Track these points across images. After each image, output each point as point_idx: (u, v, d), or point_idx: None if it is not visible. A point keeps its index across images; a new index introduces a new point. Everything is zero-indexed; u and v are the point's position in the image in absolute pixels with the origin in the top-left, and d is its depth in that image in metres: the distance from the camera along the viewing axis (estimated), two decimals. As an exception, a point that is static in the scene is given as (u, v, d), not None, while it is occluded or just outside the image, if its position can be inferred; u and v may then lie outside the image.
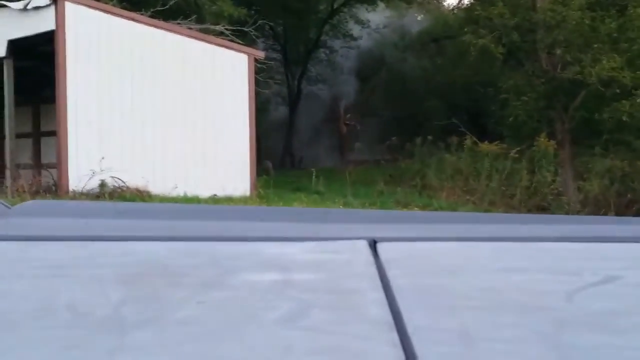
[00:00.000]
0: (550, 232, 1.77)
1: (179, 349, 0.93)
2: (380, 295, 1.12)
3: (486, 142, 23.95)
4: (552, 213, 20.82)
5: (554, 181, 22.49)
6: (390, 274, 1.24)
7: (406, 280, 1.21)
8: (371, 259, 1.35)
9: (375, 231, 1.58)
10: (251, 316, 1.02)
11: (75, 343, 0.95)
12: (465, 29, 27.05)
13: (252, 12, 24.57)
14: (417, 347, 0.92)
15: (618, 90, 22.59)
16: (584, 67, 22.74)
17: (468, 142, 23.71)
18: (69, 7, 17.69)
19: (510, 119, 24.94)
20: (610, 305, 1.13)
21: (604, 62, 22.23)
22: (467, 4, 33.89)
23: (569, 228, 1.84)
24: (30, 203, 1.78)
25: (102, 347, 0.93)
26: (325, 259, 1.38)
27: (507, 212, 20.55)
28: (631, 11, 22.98)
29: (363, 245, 1.44)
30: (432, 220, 1.91)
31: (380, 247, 1.43)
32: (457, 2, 36.47)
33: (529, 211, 21.16)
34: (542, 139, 22.80)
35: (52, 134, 18.49)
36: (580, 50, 23.63)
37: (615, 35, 23.29)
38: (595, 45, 23.12)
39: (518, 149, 23.02)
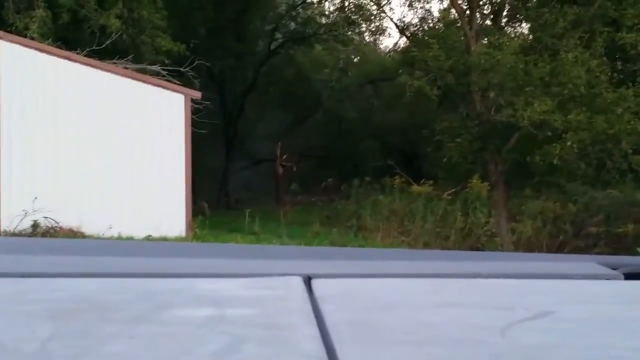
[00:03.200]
0: (484, 268, 1.78)
1: None
2: (314, 330, 1.12)
3: (422, 182, 24.15)
4: (486, 254, 21.00)
5: (487, 222, 22.72)
6: (325, 309, 1.23)
7: (341, 316, 1.21)
8: (306, 295, 1.34)
9: (310, 268, 1.58)
10: (184, 351, 1.01)
11: None
12: (401, 71, 27.38)
13: (190, 49, 24.48)
14: None
15: (549, 133, 22.99)
16: (516, 110, 23.10)
17: (399, 182, 23.86)
18: (3, 45, 17.54)
19: (445, 160, 25.21)
20: (542, 340, 1.14)
21: (536, 105, 22.61)
22: (403, 47, 34.37)
23: (503, 265, 1.86)
24: None
25: None
26: (260, 294, 1.37)
27: (441, 252, 20.66)
28: (563, 56, 23.46)
29: (298, 281, 1.43)
30: (367, 257, 1.92)
31: (315, 283, 1.43)
32: (393, 45, 36.93)
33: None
34: (476, 181, 23.06)
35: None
36: (513, 93, 24.02)
37: (547, 79, 23.74)
38: (528, 89, 23.53)
39: (452, 190, 23.25)
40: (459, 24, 27.56)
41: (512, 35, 29.46)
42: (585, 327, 1.24)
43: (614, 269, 1.77)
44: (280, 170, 30.98)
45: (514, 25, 30.95)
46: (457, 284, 1.59)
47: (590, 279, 1.70)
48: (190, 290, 1.39)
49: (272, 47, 36.07)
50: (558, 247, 21.78)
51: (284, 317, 1.21)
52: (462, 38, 26.71)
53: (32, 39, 20.16)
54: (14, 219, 16.86)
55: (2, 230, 16.95)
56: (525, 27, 29.51)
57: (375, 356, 1.03)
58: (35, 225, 17.04)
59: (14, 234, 16.74)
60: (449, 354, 1.05)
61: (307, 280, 1.45)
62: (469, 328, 1.19)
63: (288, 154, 31.14)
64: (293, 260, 1.76)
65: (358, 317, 1.23)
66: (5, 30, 18.89)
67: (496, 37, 25.94)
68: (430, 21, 33.04)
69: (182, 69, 23.15)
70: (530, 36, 27.61)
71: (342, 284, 1.51)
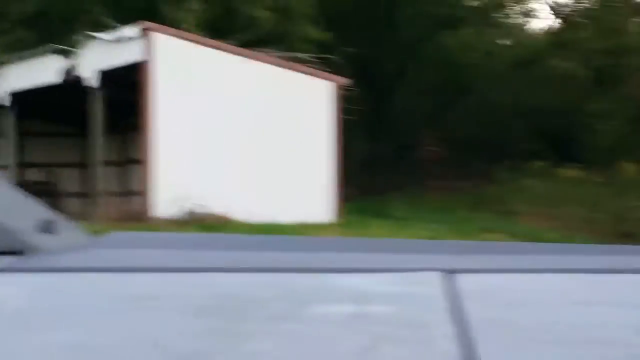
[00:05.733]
0: (630, 264, 1.74)
1: None
2: (454, 329, 1.12)
3: (572, 166, 23.57)
4: (639, 240, 20.33)
5: (640, 208, 21.96)
6: (465, 306, 1.24)
7: (481, 314, 1.21)
8: (445, 291, 1.34)
9: (450, 262, 1.58)
10: (325, 351, 1.04)
11: None
12: (552, 53, 26.76)
13: (339, 36, 24.59)
14: None
15: None
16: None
17: (549, 166, 23.34)
18: (158, 38, 18.02)
19: (596, 143, 24.51)
20: None
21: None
22: (556, 29, 33.54)
23: None
24: (114, 234, 1.82)
25: None
26: (399, 290, 1.38)
27: (592, 238, 20.11)
28: None
29: (437, 276, 1.44)
30: (507, 251, 1.90)
31: (455, 278, 1.43)
32: (546, 27, 36.05)
33: (616, 238, 20.69)
34: (628, 164, 22.32)
35: (139, 161, 18.83)
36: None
37: None
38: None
39: (604, 174, 22.59)
40: (615, 4, 26.64)
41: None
42: None
43: None
44: (427, 155, 30.79)
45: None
46: (606, 280, 1.55)
47: None
48: (329, 285, 1.41)
49: (421, 32, 35.73)
50: None
51: (423, 315, 1.21)
52: (618, 18, 25.84)
53: (188, 30, 20.68)
54: (166, 205, 17.29)
55: (155, 216, 17.43)
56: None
57: (517, 357, 1.03)
58: (187, 212, 17.44)
59: (166, 221, 17.18)
60: (587, 355, 1.04)
61: (447, 276, 1.44)
62: (616, 328, 1.17)
63: (435, 139, 30.92)
64: (432, 255, 1.76)
65: (499, 315, 1.22)
66: (161, 23, 19.41)
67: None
68: (585, 1, 31.99)
69: (330, 57, 23.28)
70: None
71: (482, 279, 1.50)
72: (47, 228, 1.59)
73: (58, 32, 21.38)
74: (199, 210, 17.63)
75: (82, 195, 22.55)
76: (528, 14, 35.46)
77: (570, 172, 23.06)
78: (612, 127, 24.30)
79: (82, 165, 22.68)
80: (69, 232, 1.69)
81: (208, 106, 18.44)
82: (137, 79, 17.97)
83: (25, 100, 20.09)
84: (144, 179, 17.95)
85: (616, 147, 24.54)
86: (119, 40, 18.17)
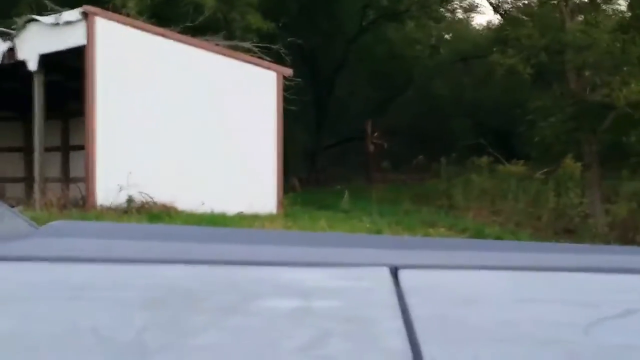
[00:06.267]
0: (571, 261, 1.76)
1: None
2: (399, 325, 1.12)
3: (513, 162, 23.88)
4: (579, 236, 20.70)
5: (581, 203, 22.34)
6: (410, 302, 1.24)
7: (425, 310, 1.21)
8: (392, 286, 1.35)
9: (397, 258, 1.58)
10: (271, 345, 1.03)
11: None
12: (495, 49, 27.04)
13: (281, 27, 24.58)
14: None
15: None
16: (612, 90, 22.60)
17: (491, 162, 23.63)
18: (100, 23, 17.82)
19: (537, 139, 24.85)
20: (628, 340, 1.12)
21: (633, 85, 22.08)
22: (496, 25, 33.92)
23: (590, 258, 1.83)
24: (56, 223, 1.79)
25: None
26: (345, 285, 1.38)
27: (533, 234, 20.42)
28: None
29: (384, 272, 1.44)
30: (454, 248, 1.91)
31: (401, 274, 1.43)
32: (486, 22, 36.45)
33: (556, 233, 21.03)
34: (569, 161, 22.67)
35: (81, 147, 18.62)
36: (609, 72, 23.51)
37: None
38: (625, 68, 23.00)
39: (545, 170, 22.91)
40: (554, 2, 27.01)
41: (609, 13, 28.76)
42: None
43: None
44: (371, 147, 30.94)
45: (610, 2, 30.17)
46: (542, 278, 1.57)
47: None
48: (275, 279, 1.41)
49: (364, 24, 35.90)
50: (654, 230, 21.31)
51: (369, 310, 1.21)
52: (557, 16, 26.20)
53: (129, 15, 20.49)
54: (110, 193, 17.14)
55: (98, 204, 17.28)
56: (623, 4, 28.75)
57: (458, 353, 1.03)
58: (130, 200, 17.32)
59: (109, 208, 17.06)
60: (529, 353, 1.05)
61: (394, 271, 1.45)
62: (551, 326, 1.18)
63: (379, 132, 31.09)
64: (379, 250, 1.77)
65: (442, 312, 1.23)
66: (103, 8, 19.21)
67: (592, 14, 25.38)
68: (524, -1, 32.43)
69: (273, 47, 23.26)
70: (629, 13, 26.90)
71: (428, 275, 1.50)
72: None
73: (-2, 14, 21.09)
74: (142, 199, 17.51)
75: (23, 181, 22.26)
76: (471, 9, 35.80)
77: (513, 168, 23.35)
78: (552, 123, 24.63)
79: (24, 150, 22.39)
80: (10, 220, 1.66)
81: (152, 93, 18.28)
82: (78, 63, 17.75)
83: (-37, 83, 19.79)
84: (86, 166, 17.75)
85: (556, 144, 24.89)
86: (60, 24, 17.91)
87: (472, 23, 41.43)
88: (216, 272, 1.44)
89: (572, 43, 24.06)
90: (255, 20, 24.66)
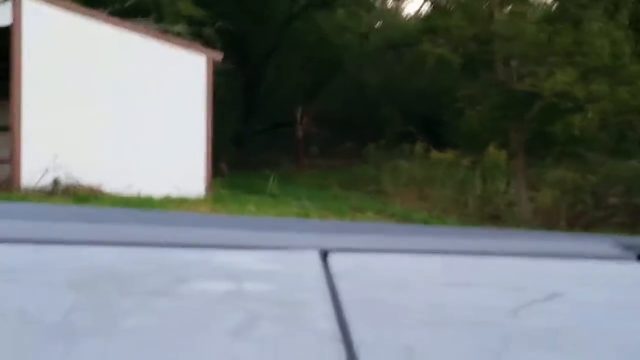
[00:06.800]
0: (498, 246, 1.79)
1: (128, 357, 0.94)
2: (329, 308, 1.13)
3: (443, 149, 24.12)
4: (505, 222, 21.02)
5: (506, 191, 22.68)
6: (340, 286, 1.25)
7: (355, 294, 1.22)
8: (321, 270, 1.35)
9: (327, 242, 1.59)
10: (201, 327, 1.03)
11: (23, 348, 0.95)
12: (424, 38, 27.20)
13: (211, 12, 24.39)
14: None
15: (571, 104, 22.81)
16: (538, 80, 22.92)
17: (421, 149, 23.85)
18: (26, 3, 17.53)
19: (465, 127, 25.13)
20: (552, 322, 1.15)
21: (558, 75, 22.42)
22: (425, 14, 34.13)
23: (517, 243, 1.86)
24: None
25: (50, 354, 0.93)
26: (276, 269, 1.38)
27: (460, 219, 20.69)
28: (587, 26, 23.22)
29: (314, 255, 1.44)
30: (383, 232, 1.92)
31: (331, 258, 1.44)
32: (415, 11, 36.71)
33: (482, 220, 21.31)
34: (493, 149, 22.99)
35: (6, 129, 18.29)
36: (535, 62, 23.82)
37: (570, 49, 23.52)
38: (550, 59, 23.34)
39: (471, 158, 23.18)
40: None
41: (536, 4, 29.15)
42: (596, 310, 1.25)
43: (633, 250, 1.75)
44: (301, 133, 30.99)
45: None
46: (471, 262, 1.59)
47: (606, 260, 1.69)
48: (207, 262, 1.40)
49: (294, 11, 35.85)
50: (576, 217, 21.74)
51: (299, 294, 1.22)
52: (485, 7, 26.47)
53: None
54: (35, 174, 16.92)
55: (23, 186, 17.04)
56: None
57: (387, 336, 1.04)
58: (55, 182, 17.12)
59: (34, 190, 16.84)
60: (458, 335, 1.07)
61: (324, 255, 1.46)
62: (479, 309, 1.20)
63: (308, 118, 31.14)
64: (310, 234, 1.78)
65: (372, 295, 1.24)
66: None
67: (519, 5, 25.70)
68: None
69: (203, 31, 23.09)
70: (554, 5, 27.32)
71: (357, 259, 1.52)
72: None
73: None
74: (69, 181, 17.31)
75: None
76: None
77: (442, 155, 23.60)
78: (479, 112, 24.91)
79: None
80: None
81: (79, 75, 18.05)
82: (4, 44, 17.44)
83: None
84: (12, 147, 17.47)
85: (483, 132, 25.19)
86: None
87: (403, 12, 41.69)
88: (146, 255, 1.43)
89: (499, 33, 24.34)
90: (186, 6, 24.44)
